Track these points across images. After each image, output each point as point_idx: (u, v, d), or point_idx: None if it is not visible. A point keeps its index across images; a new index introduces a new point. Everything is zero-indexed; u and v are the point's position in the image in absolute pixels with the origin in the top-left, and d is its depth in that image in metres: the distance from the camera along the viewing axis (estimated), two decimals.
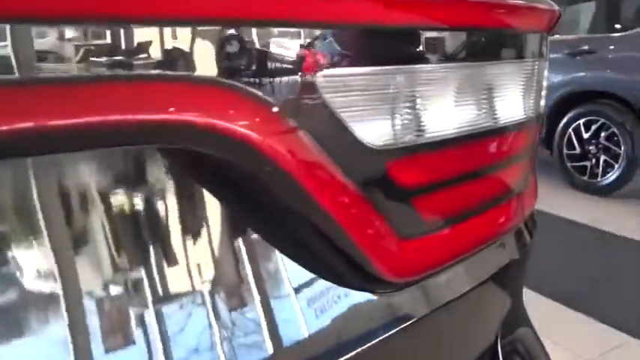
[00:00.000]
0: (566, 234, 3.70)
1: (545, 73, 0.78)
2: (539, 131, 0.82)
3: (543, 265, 3.12)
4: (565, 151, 4.71)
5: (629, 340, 2.44)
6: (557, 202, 4.29)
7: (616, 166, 4.40)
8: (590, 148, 4.56)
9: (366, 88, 0.52)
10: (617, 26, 4.55)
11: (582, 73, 4.56)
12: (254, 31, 0.45)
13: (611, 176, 4.42)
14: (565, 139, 4.70)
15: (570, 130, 4.65)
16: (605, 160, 4.46)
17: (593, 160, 4.54)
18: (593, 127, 4.51)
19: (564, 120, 4.69)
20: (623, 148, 4.34)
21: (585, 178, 4.59)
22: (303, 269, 0.55)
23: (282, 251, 0.55)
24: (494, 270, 0.74)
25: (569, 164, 4.69)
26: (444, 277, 0.66)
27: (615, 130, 4.37)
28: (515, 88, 0.71)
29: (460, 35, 0.63)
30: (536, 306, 2.67)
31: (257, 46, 0.45)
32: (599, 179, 4.50)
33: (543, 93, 0.79)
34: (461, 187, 0.66)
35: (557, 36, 4.88)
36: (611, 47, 4.45)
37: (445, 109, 0.62)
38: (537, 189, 0.91)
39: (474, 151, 0.67)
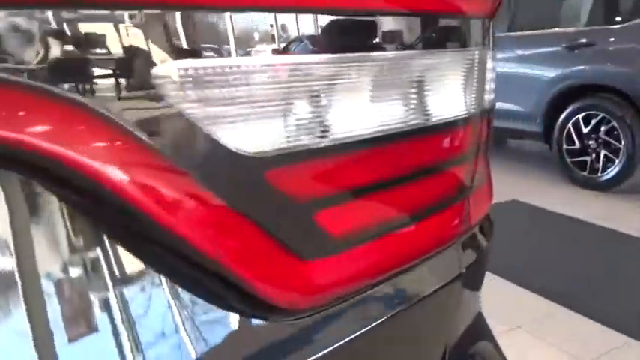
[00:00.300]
0: (565, 231, 3.62)
1: (490, 63, 0.70)
2: (487, 128, 0.74)
3: (540, 264, 3.04)
4: (564, 146, 4.62)
5: (629, 341, 2.36)
6: (557, 198, 4.22)
7: (616, 161, 4.30)
8: (590, 142, 4.47)
9: (233, 84, 0.44)
10: (617, 18, 4.45)
11: (581, 67, 4.47)
12: (64, 13, 0.37)
13: (612, 171, 4.33)
14: (564, 134, 4.61)
15: (569, 124, 4.56)
16: (605, 155, 4.37)
17: (593, 155, 4.45)
18: (593, 122, 4.42)
19: (563, 115, 4.60)
20: (623, 142, 4.25)
21: (585, 173, 4.50)
22: (184, 291, 0.47)
23: (160, 274, 0.47)
24: (437, 284, 0.66)
25: (568, 160, 4.61)
26: (371, 297, 0.58)
27: (615, 125, 4.28)
28: (452, 80, 0.64)
29: (378, 19, 0.56)
30: (532, 306, 2.60)
31: (72, 33, 0.37)
32: (599, 175, 4.41)
33: (489, 86, 0.71)
34: (383, 195, 0.58)
35: (555, 29, 4.80)
36: (611, 39, 4.35)
37: (358, 106, 0.54)
38: (492, 189, 0.83)
39: (398, 153, 0.59)
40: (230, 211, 0.45)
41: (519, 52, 4.99)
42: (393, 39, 0.58)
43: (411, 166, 0.61)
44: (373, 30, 0.56)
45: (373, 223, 0.57)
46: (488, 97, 0.71)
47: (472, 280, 0.78)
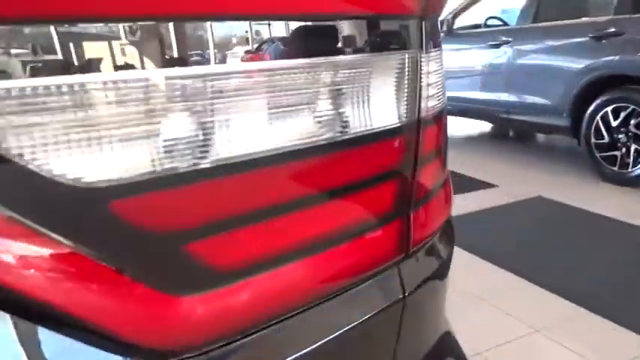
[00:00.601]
0: (592, 229, 3.47)
1: (429, 67, 0.63)
2: (434, 137, 0.67)
3: (564, 263, 2.92)
4: (593, 140, 4.44)
5: None
6: (584, 194, 4.06)
7: None
8: (620, 136, 4.27)
9: (59, 106, 0.38)
10: None
11: (609, 57, 4.27)
12: None
13: None
14: (593, 128, 4.42)
15: (598, 117, 4.38)
16: (635, 149, 4.18)
17: (623, 150, 4.26)
18: (622, 114, 4.23)
19: (591, 107, 4.42)
20: None
21: (615, 168, 4.31)
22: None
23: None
24: (361, 316, 0.59)
25: (597, 154, 4.42)
26: (275, 334, 0.52)
27: None
28: (374, 88, 0.57)
29: (274, 23, 0.50)
30: (553, 308, 2.48)
31: None
32: (629, 170, 4.22)
33: (427, 92, 0.63)
34: (287, 220, 0.51)
35: (582, 19, 4.62)
36: None
37: (251, 122, 0.48)
38: (449, 203, 0.76)
39: (307, 171, 0.53)
40: (67, 250, 0.40)
41: (544, 43, 4.82)
42: (294, 44, 0.51)
43: (323, 186, 0.54)
44: (276, 36, 0.50)
45: (273, 253, 0.51)
46: (428, 104, 0.64)
47: (423, 301, 0.71)
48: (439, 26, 0.68)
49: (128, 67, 0.42)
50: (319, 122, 0.53)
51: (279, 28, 0.52)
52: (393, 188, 0.61)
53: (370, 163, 0.58)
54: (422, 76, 0.62)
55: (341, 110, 0.54)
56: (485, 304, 2.55)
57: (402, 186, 0.62)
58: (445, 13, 5.80)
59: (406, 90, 0.60)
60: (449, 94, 5.70)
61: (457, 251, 2.80)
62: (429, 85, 0.63)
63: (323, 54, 0.53)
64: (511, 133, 6.43)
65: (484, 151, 5.56)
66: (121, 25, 0.41)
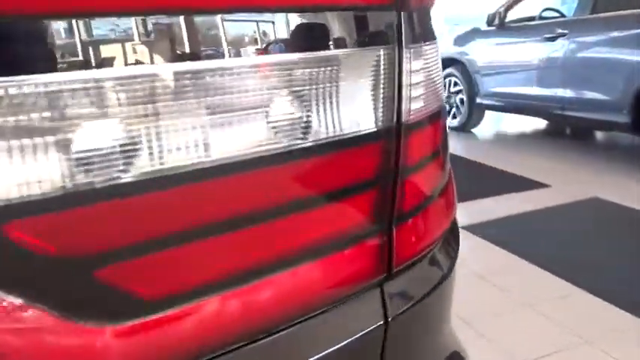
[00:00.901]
0: None
1: (411, 65, 0.56)
2: (424, 142, 0.60)
3: (621, 270, 2.74)
4: None
5: None
6: None
7: None
8: None
9: None
10: None
11: None
12: None
13: None
14: None
15: None
16: None
17: None
18: None
19: None
20: None
21: None
22: None
23: None
24: (327, 347, 0.52)
25: None
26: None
27: None
28: (342, 89, 0.50)
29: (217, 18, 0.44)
30: (607, 318, 2.33)
31: None
32: None
33: (410, 92, 0.56)
34: (233, 239, 0.46)
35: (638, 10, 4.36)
36: None
37: (189, 130, 0.43)
38: (447, 215, 0.68)
39: (257, 184, 0.47)
40: None
41: (604, 35, 4.57)
42: (240, 42, 0.46)
43: (280, 200, 0.48)
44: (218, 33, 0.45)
45: (216, 277, 0.45)
46: (412, 106, 0.56)
47: (415, 324, 0.64)
48: (430, 18, 0.61)
49: (36, 67, 0.37)
50: (274, 128, 0.47)
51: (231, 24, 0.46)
52: (369, 201, 0.54)
53: (339, 173, 0.52)
54: (402, 74, 0.54)
55: (300, 115, 0.48)
56: (532, 310, 2.42)
57: (381, 198, 0.55)
58: (497, 5, 5.61)
59: (382, 91, 0.53)
60: (501, 89, 5.53)
61: (504, 254, 2.67)
62: (412, 84, 0.56)
63: (279, 51, 0.47)
64: (567, 130, 6.16)
65: (537, 149, 5.34)
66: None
